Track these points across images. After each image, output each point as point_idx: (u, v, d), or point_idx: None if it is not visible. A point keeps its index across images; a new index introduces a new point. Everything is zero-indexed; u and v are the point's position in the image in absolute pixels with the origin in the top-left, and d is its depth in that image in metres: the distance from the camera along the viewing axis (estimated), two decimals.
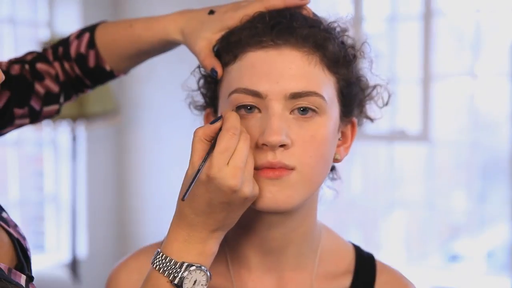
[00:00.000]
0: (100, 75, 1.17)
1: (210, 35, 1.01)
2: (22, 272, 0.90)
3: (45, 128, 3.34)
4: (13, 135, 3.54)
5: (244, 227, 0.97)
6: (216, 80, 0.97)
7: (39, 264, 3.52)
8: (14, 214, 3.55)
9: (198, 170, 0.84)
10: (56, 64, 1.17)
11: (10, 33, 3.50)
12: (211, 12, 1.04)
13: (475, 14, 3.31)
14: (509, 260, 3.31)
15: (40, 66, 1.16)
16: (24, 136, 3.61)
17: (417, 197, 3.71)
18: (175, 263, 0.86)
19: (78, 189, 3.52)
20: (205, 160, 0.85)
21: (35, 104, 1.14)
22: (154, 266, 0.87)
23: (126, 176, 3.92)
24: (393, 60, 3.50)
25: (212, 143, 0.86)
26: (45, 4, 3.68)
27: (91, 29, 1.18)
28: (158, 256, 0.88)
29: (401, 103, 3.44)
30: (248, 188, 0.85)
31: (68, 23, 3.60)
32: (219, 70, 0.95)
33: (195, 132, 0.87)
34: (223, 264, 1.00)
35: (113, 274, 1.03)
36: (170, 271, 0.86)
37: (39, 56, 1.18)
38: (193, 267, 0.86)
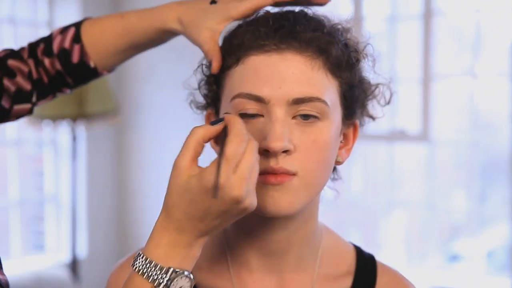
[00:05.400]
0: (83, 72, 1.13)
1: (214, 25, 0.98)
2: None
3: (45, 128, 3.34)
4: (13, 135, 3.55)
5: (245, 229, 0.97)
6: (217, 79, 0.96)
7: (39, 264, 3.52)
8: (14, 214, 3.55)
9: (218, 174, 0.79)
10: (30, 61, 1.13)
11: (10, 33, 3.50)
12: (213, 1, 1.00)
13: (475, 14, 3.31)
14: (509, 260, 3.31)
15: (11, 62, 1.11)
16: (24, 136, 3.61)
17: (417, 197, 3.71)
18: (161, 269, 0.82)
19: (78, 189, 3.51)
20: (218, 167, 0.79)
21: (5, 102, 1.09)
22: (136, 269, 0.83)
23: (126, 176, 3.92)
24: (393, 60, 3.50)
25: (219, 149, 0.81)
26: (45, 4, 3.68)
27: (77, 24, 1.14)
28: (140, 259, 0.84)
29: (401, 103, 3.44)
30: (250, 200, 0.81)
31: (68, 23, 3.59)
32: (215, 64, 0.94)
33: (193, 131, 0.83)
34: (223, 265, 1.00)
35: (114, 274, 1.03)
36: (155, 277, 0.82)
37: (12, 53, 1.13)
38: (178, 273, 0.83)
